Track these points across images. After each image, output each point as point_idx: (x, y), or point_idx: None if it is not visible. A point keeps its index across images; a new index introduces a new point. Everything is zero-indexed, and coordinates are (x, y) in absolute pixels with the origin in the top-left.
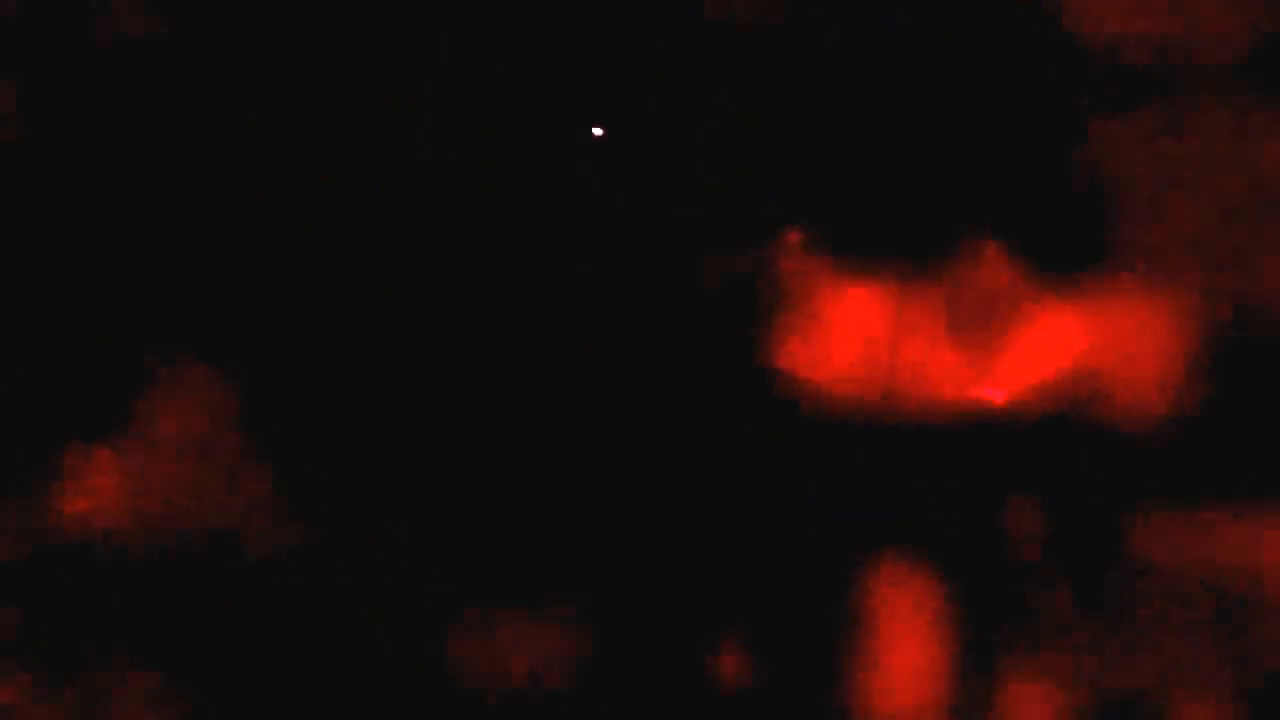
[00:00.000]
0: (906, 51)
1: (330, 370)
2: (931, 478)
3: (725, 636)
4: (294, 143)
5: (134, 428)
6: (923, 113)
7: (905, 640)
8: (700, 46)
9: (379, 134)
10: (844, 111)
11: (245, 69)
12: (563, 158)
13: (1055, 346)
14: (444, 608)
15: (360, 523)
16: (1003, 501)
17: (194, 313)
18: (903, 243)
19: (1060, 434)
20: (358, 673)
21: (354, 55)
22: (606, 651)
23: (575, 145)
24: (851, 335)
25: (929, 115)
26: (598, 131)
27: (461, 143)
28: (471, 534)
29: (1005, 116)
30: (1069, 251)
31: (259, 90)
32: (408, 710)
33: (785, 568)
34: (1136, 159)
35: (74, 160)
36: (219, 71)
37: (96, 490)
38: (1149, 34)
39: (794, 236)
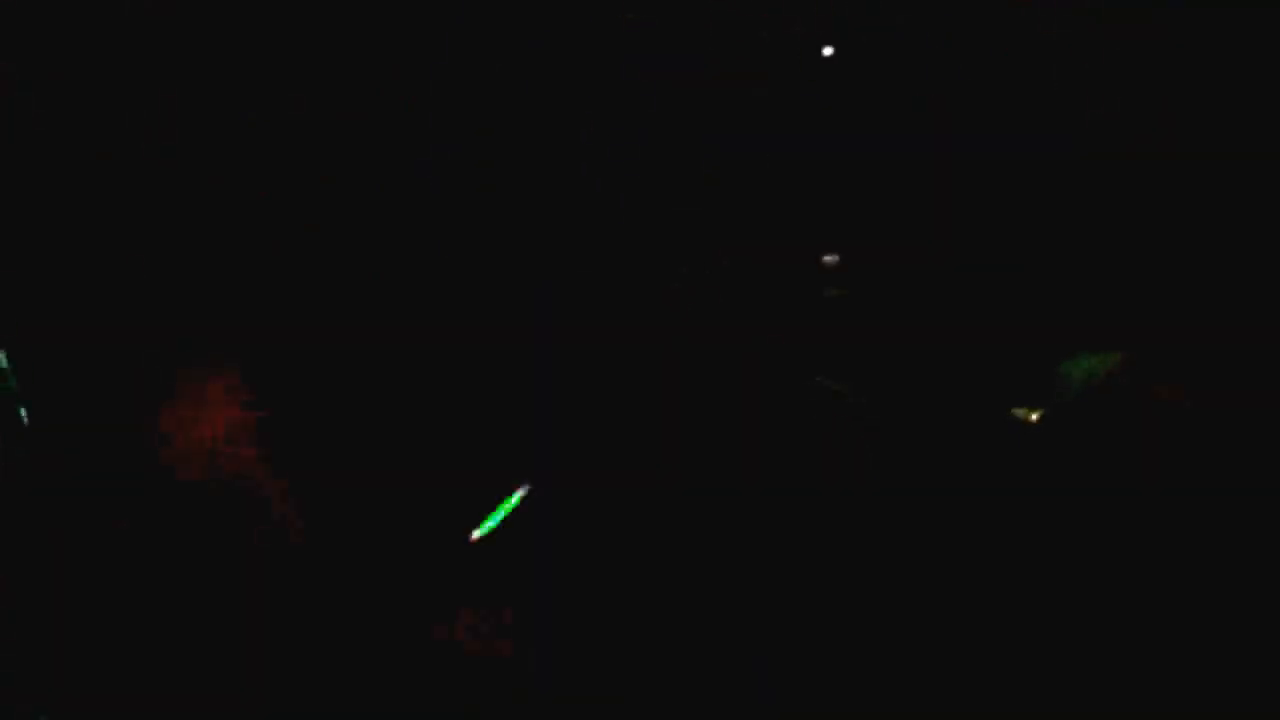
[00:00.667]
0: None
1: (346, 370)
2: (974, 486)
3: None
4: (298, 153)
5: (158, 430)
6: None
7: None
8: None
9: (383, 140)
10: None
11: (260, 81)
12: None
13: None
14: (443, 602)
15: (367, 522)
16: (1045, 514)
17: (213, 315)
18: (947, 265)
19: (1094, 447)
20: (359, 664)
21: (355, 56)
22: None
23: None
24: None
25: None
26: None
27: (466, 144)
28: (467, 533)
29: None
30: (1100, 275)
31: (278, 108)
32: (404, 697)
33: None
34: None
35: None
36: (237, 88)
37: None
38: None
39: (831, 260)
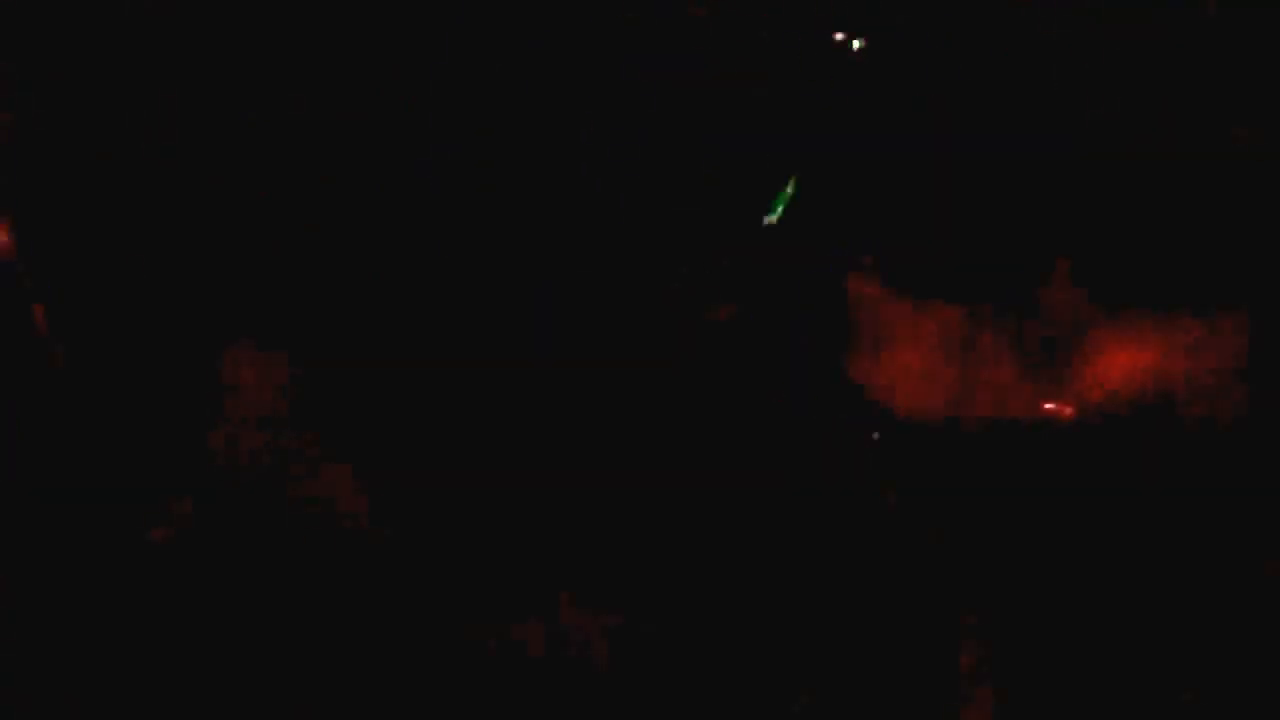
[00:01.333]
0: (983, 82)
1: (402, 369)
2: (1000, 487)
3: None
4: (298, 153)
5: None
6: (998, 141)
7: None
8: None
9: (383, 140)
10: (919, 138)
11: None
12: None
13: (1121, 364)
14: (501, 586)
15: (426, 508)
16: (1075, 511)
17: (256, 311)
18: (975, 265)
19: (1127, 446)
20: (421, 650)
21: (355, 56)
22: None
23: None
24: (924, 354)
25: (1004, 143)
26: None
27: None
28: (529, 517)
29: (1076, 145)
30: (1136, 273)
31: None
32: (467, 680)
33: (846, 573)
34: (1197, 188)
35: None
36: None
37: (178, 518)
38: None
39: (868, 260)
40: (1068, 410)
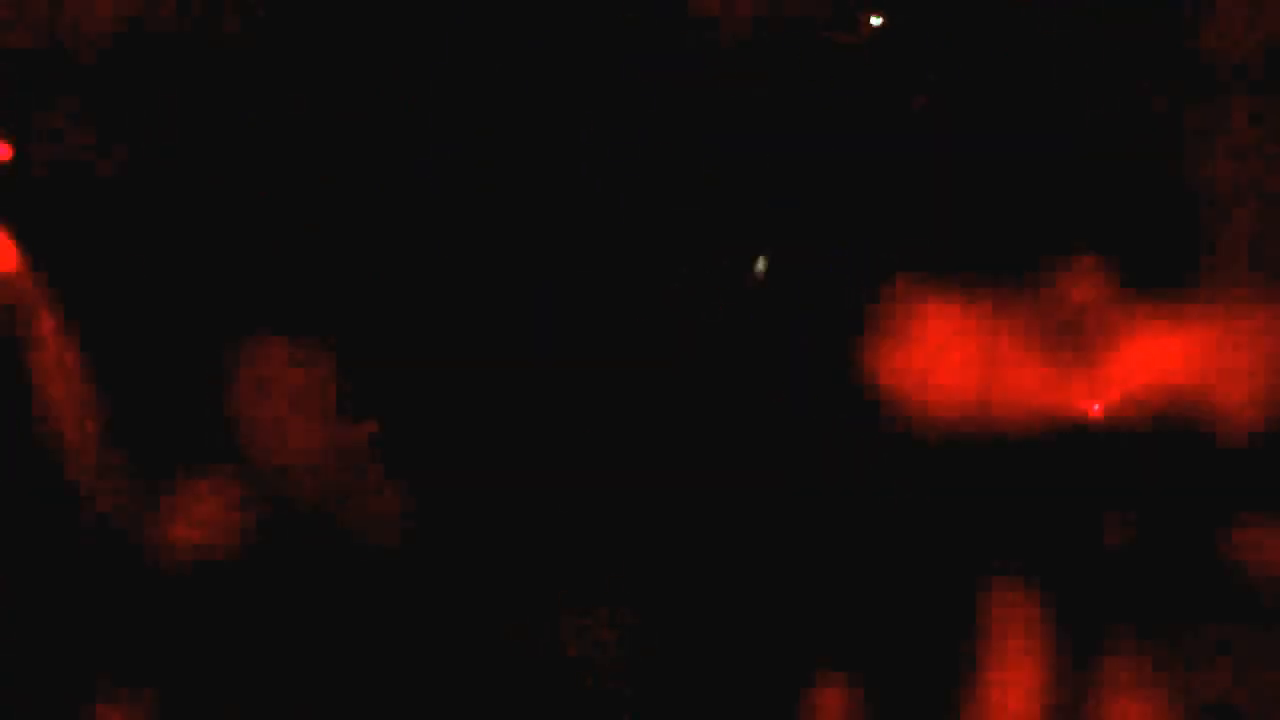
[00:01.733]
0: (1000, 72)
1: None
2: (1029, 487)
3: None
4: (300, 153)
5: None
6: (1017, 131)
7: (1009, 651)
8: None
9: (384, 140)
10: (939, 132)
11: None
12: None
13: (1149, 359)
14: (530, 590)
15: (450, 511)
16: (1100, 510)
17: (284, 307)
18: (999, 260)
19: (1155, 444)
20: (451, 652)
21: (355, 56)
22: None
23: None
24: (949, 350)
25: (1023, 133)
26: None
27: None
28: (558, 525)
29: (1099, 135)
30: (1161, 267)
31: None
32: (496, 681)
33: (881, 576)
34: (1230, 175)
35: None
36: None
37: (198, 519)
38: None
39: (892, 254)
40: (1093, 405)
